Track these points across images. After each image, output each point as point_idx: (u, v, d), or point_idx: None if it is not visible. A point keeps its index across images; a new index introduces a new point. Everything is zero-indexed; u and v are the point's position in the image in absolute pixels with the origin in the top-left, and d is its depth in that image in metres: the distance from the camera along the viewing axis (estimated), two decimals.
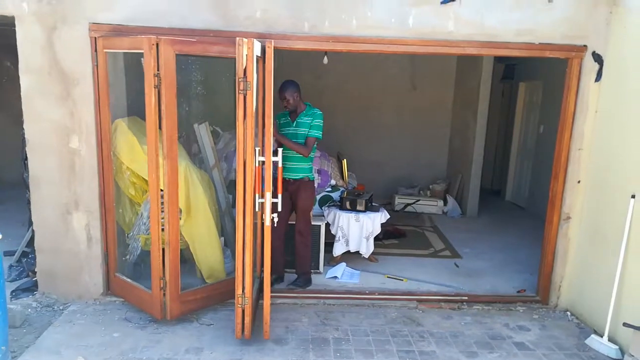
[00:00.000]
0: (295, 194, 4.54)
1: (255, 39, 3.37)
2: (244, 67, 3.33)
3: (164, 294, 3.86)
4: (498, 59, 8.02)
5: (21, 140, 4.31)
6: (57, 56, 3.96)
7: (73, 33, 3.93)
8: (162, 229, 3.80)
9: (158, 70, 3.55)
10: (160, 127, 3.68)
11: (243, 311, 3.62)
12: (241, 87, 3.35)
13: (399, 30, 4.10)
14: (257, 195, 3.52)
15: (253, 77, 3.35)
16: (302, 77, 8.16)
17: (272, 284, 4.54)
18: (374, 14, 4.06)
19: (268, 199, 3.48)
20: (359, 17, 4.06)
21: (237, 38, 3.33)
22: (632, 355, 3.41)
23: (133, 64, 4.36)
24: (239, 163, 3.45)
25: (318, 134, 4.42)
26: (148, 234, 4.16)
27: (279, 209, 3.69)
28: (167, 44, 3.57)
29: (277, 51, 3.57)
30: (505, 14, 4.10)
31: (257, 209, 3.53)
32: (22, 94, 4.01)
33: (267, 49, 3.49)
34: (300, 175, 4.50)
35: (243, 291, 3.58)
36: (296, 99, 4.42)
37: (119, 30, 3.90)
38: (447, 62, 8.43)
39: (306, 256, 4.72)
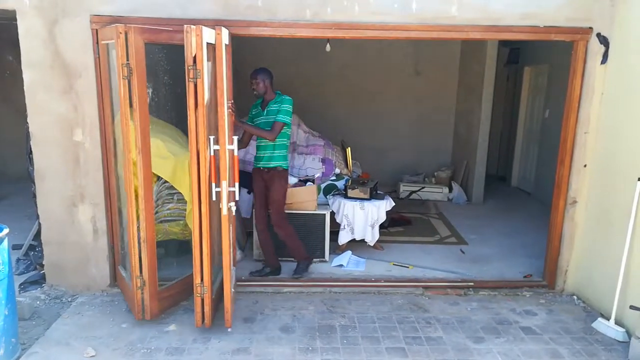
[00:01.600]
0: (268, 184, 4.46)
1: (204, 27, 3.30)
2: (193, 55, 3.28)
3: (142, 293, 3.76)
4: (503, 43, 7.94)
5: (25, 134, 4.33)
6: (59, 49, 3.95)
7: (74, 26, 3.92)
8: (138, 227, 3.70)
9: (127, 60, 3.43)
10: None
11: (202, 300, 3.62)
12: (191, 75, 3.31)
13: (402, 15, 4.05)
14: (213, 185, 3.49)
15: (203, 65, 3.30)
16: (305, 65, 8.21)
17: (266, 276, 4.62)
18: (377, 0, 4.02)
19: (224, 188, 3.45)
20: (361, 3, 4.02)
21: (185, 25, 3.28)
22: (639, 338, 3.40)
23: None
24: (191, 152, 3.42)
25: (285, 118, 4.29)
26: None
27: (237, 198, 3.66)
28: (137, 33, 3.45)
29: (279, 39, 3.51)
30: None
31: (214, 198, 3.50)
32: (25, 87, 4.01)
33: (217, 36, 3.40)
34: (273, 164, 4.41)
35: (202, 280, 3.58)
36: (266, 85, 4.32)
37: (120, 22, 3.88)
38: (451, 47, 8.35)
39: (294, 243, 4.65)
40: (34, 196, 4.42)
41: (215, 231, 3.78)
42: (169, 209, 4.63)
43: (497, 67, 7.46)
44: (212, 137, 3.48)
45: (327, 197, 5.53)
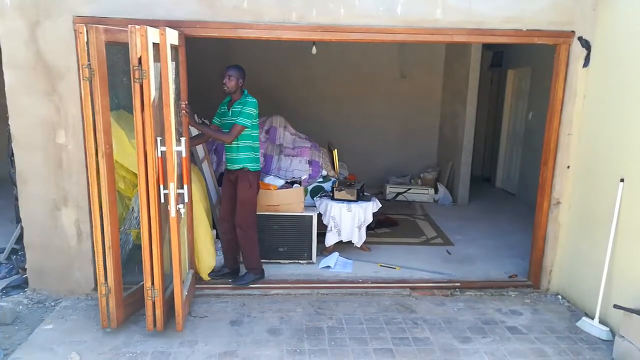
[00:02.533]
0: (235, 185, 4.40)
1: (149, 27, 3.27)
2: (138, 55, 3.26)
3: (107, 301, 3.64)
4: (486, 47, 8.04)
5: (7, 137, 4.26)
6: (41, 50, 3.89)
7: (57, 26, 3.87)
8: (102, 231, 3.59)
9: (89, 61, 3.33)
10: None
11: (153, 304, 3.58)
12: (136, 76, 3.29)
13: (387, 18, 4.08)
14: (161, 187, 3.46)
15: (149, 66, 3.27)
16: (291, 67, 8.21)
17: (224, 277, 4.54)
18: (362, 3, 4.04)
19: (172, 190, 3.42)
20: (347, 5, 4.03)
21: (130, 25, 3.26)
22: (623, 337, 3.45)
23: (120, 57, 4.30)
24: (139, 154, 3.38)
25: (244, 121, 4.18)
26: (139, 228, 4.13)
27: (186, 200, 3.64)
28: (99, 32, 3.34)
29: (266, 41, 3.50)
30: (493, 1, 4.09)
31: (162, 200, 3.47)
32: (6, 89, 3.95)
33: (160, 37, 3.37)
34: (237, 166, 4.33)
35: (152, 284, 3.55)
36: (237, 84, 4.24)
37: (103, 23, 3.84)
38: (435, 51, 8.43)
39: (250, 250, 4.47)
40: (16, 199, 4.35)
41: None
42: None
43: (481, 70, 7.54)
44: (159, 139, 3.43)
45: (314, 199, 5.53)
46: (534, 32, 4.18)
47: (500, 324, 3.99)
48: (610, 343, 3.65)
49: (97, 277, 3.63)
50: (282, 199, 4.96)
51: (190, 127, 4.26)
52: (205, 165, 5.14)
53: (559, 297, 4.52)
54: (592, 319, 3.91)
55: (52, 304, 4.14)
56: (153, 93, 3.36)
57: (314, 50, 6.19)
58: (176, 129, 3.72)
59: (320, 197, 5.48)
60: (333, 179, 5.90)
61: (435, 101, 8.67)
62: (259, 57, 7.86)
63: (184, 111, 4.04)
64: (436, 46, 8.28)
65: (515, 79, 8.38)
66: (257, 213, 4.66)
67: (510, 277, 4.85)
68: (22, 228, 4.23)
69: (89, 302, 4.17)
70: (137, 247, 4.11)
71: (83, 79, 3.37)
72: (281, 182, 5.24)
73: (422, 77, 8.53)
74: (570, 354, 3.59)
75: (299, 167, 5.96)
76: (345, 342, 3.67)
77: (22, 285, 4.35)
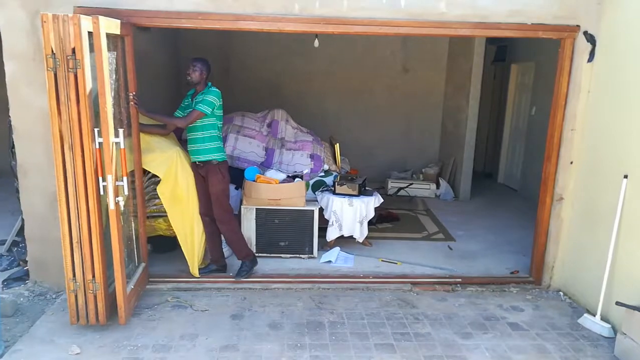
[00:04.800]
0: (206, 179, 4.32)
1: (82, 15, 3.21)
2: (72, 45, 3.20)
3: (76, 297, 3.57)
4: (490, 41, 7.98)
5: (8, 128, 4.23)
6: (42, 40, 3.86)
7: None
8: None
9: (53, 51, 3.24)
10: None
11: (95, 297, 3.55)
12: (70, 66, 3.23)
13: (390, 11, 4.04)
14: (100, 179, 3.42)
15: (82, 55, 3.21)
16: (293, 61, 8.17)
17: (212, 273, 4.51)
18: None
19: (110, 182, 3.39)
20: None
21: (61, 14, 3.19)
22: (625, 334, 3.44)
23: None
24: (75, 145, 3.33)
25: (203, 108, 4.10)
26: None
27: (126, 192, 3.59)
28: (64, 22, 3.23)
29: (268, 34, 3.47)
30: None
31: (102, 192, 3.44)
32: (7, 80, 3.92)
33: (94, 25, 3.28)
34: (204, 158, 4.25)
35: (93, 277, 3.51)
36: (201, 75, 4.18)
37: (105, 14, 3.81)
38: (439, 45, 8.38)
39: (236, 241, 4.46)
40: (17, 191, 4.33)
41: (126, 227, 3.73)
42: (155, 205, 4.59)
43: (485, 64, 7.49)
44: (96, 130, 3.38)
45: (316, 193, 5.51)
46: (538, 26, 4.14)
47: (502, 320, 3.98)
48: (612, 340, 3.64)
49: (65, 273, 3.55)
50: (283, 193, 4.94)
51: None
52: None
53: (561, 293, 4.50)
54: (594, 315, 3.90)
55: (53, 296, 4.14)
56: (89, 83, 3.30)
57: (316, 43, 6.15)
58: (118, 119, 3.69)
59: (322, 191, 5.46)
60: (335, 173, 5.88)
61: (437, 96, 8.62)
62: (260, 49, 7.83)
63: (133, 102, 3.98)
64: (439, 40, 8.23)
65: (519, 73, 8.33)
66: (259, 207, 4.64)
67: (511, 273, 4.83)
68: (23, 220, 4.22)
69: None
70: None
71: (47, 70, 3.28)
72: (283, 176, 5.22)
73: (425, 71, 8.48)
74: (571, 350, 3.58)
75: (301, 161, 5.94)
76: (346, 336, 3.66)
77: (23, 277, 4.34)
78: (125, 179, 3.57)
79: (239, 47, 7.52)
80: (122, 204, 3.55)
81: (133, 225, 4.12)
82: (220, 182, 4.29)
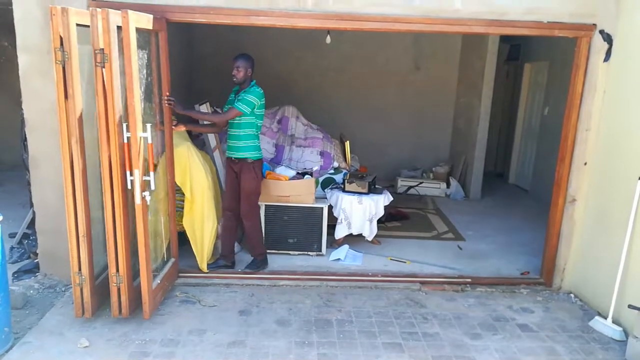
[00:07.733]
0: (239, 175, 4.37)
1: (111, 10, 3.21)
2: (100, 39, 3.20)
3: (82, 291, 3.58)
4: (503, 39, 7.89)
5: (20, 121, 4.26)
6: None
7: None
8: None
9: (62, 44, 3.24)
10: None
11: (119, 290, 3.57)
12: (98, 60, 3.24)
13: (404, 7, 4.00)
14: (127, 173, 3.42)
15: (110, 49, 3.21)
16: (305, 57, 8.14)
17: (220, 269, 4.51)
18: None
19: (137, 177, 3.39)
20: None
21: (91, 9, 3.19)
22: (637, 337, 3.39)
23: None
24: (101, 139, 3.34)
25: (242, 107, 4.12)
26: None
27: (152, 187, 3.58)
28: (72, 15, 3.25)
29: (280, 29, 3.45)
30: None
31: (129, 187, 3.44)
32: (20, 73, 3.95)
33: (122, 20, 3.26)
34: (240, 155, 4.29)
35: (117, 270, 3.52)
36: (246, 74, 4.19)
37: (118, 8, 3.81)
38: (451, 42, 8.30)
39: (256, 238, 4.55)
40: (29, 184, 4.36)
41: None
42: None
43: (498, 63, 7.42)
44: (125, 124, 3.39)
45: (325, 190, 5.49)
46: (554, 25, 4.08)
47: (511, 321, 3.94)
48: (624, 343, 3.59)
49: (71, 266, 3.56)
50: (292, 190, 4.93)
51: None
52: (216, 154, 5.12)
53: (572, 295, 4.45)
54: (605, 318, 3.85)
55: (63, 289, 4.16)
56: (117, 78, 3.30)
57: (328, 39, 6.11)
58: (150, 115, 3.69)
59: (331, 188, 5.44)
60: (344, 170, 5.86)
61: (449, 94, 8.55)
62: (272, 45, 7.81)
63: (167, 102, 3.98)
64: (452, 37, 8.15)
65: (532, 72, 8.24)
66: (268, 203, 4.62)
67: (522, 274, 4.79)
68: (34, 213, 4.25)
69: None
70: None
71: (56, 62, 3.27)
72: (292, 172, 5.20)
73: (437, 69, 8.41)
74: (582, 353, 3.53)
75: (311, 158, 5.93)
76: (354, 335, 3.65)
77: (34, 269, 4.38)
78: (152, 174, 3.57)
79: (251, 44, 7.48)
80: (148, 198, 3.56)
81: (162, 220, 4.14)
82: (253, 180, 4.34)
